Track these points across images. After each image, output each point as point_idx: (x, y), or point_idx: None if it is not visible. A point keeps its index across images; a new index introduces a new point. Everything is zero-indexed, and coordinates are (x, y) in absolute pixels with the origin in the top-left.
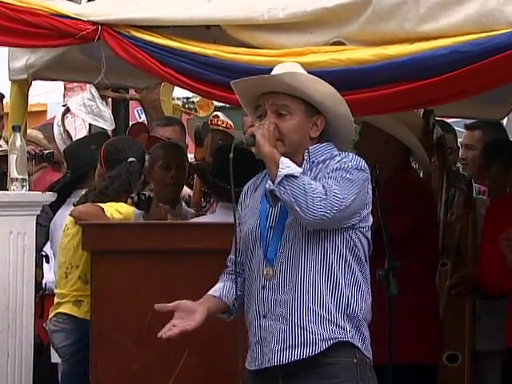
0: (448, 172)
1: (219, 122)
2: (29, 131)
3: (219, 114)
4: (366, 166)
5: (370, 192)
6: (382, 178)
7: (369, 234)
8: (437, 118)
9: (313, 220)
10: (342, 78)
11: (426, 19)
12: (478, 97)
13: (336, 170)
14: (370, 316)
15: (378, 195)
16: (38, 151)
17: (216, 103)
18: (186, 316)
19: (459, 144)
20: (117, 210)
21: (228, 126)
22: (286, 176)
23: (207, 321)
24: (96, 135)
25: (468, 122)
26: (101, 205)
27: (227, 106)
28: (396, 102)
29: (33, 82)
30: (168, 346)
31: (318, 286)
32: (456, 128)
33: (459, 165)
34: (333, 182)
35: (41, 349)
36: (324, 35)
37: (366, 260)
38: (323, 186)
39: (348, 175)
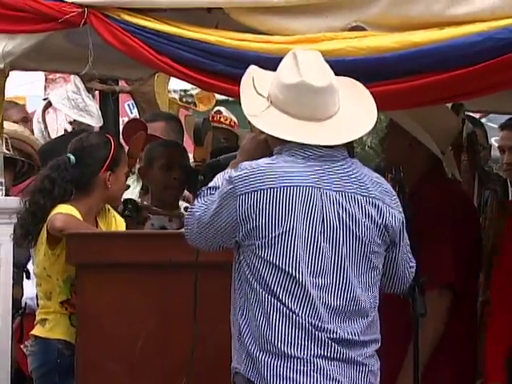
0: (479, 172)
1: (222, 119)
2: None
3: (222, 109)
4: (240, 177)
5: (242, 205)
6: (406, 186)
7: (264, 252)
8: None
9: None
10: (362, 68)
11: (458, 1)
12: None
13: None
14: (277, 349)
15: (403, 200)
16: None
17: (218, 96)
18: None
19: (493, 141)
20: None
21: (232, 123)
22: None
23: (208, 345)
24: (76, 133)
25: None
26: (67, 211)
27: (231, 99)
28: (423, 95)
29: (10, 73)
30: (164, 374)
31: (231, 309)
32: (490, 124)
33: (492, 164)
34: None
35: (22, 377)
36: (341, 19)
37: (265, 283)
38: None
39: (220, 188)
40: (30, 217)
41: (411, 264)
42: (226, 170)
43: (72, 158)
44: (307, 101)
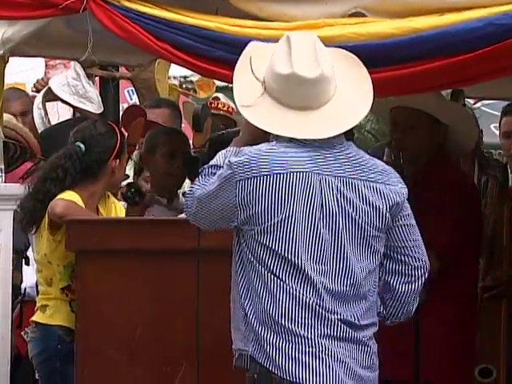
0: (479, 158)
1: (220, 105)
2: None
3: (220, 95)
4: (239, 162)
5: (241, 191)
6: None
7: (264, 238)
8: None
9: None
10: (362, 55)
11: None
12: None
13: None
14: (283, 328)
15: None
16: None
17: (218, 83)
18: None
19: (492, 128)
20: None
21: (230, 109)
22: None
23: (209, 330)
24: (79, 119)
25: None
26: (69, 198)
27: (230, 86)
28: (423, 81)
29: (10, 59)
30: (163, 360)
31: (231, 291)
32: (490, 110)
33: (491, 150)
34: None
35: (19, 361)
36: (341, 5)
37: (267, 266)
38: None
39: (220, 171)
40: (39, 204)
41: (421, 243)
42: (228, 148)
43: (82, 146)
44: (299, 92)
